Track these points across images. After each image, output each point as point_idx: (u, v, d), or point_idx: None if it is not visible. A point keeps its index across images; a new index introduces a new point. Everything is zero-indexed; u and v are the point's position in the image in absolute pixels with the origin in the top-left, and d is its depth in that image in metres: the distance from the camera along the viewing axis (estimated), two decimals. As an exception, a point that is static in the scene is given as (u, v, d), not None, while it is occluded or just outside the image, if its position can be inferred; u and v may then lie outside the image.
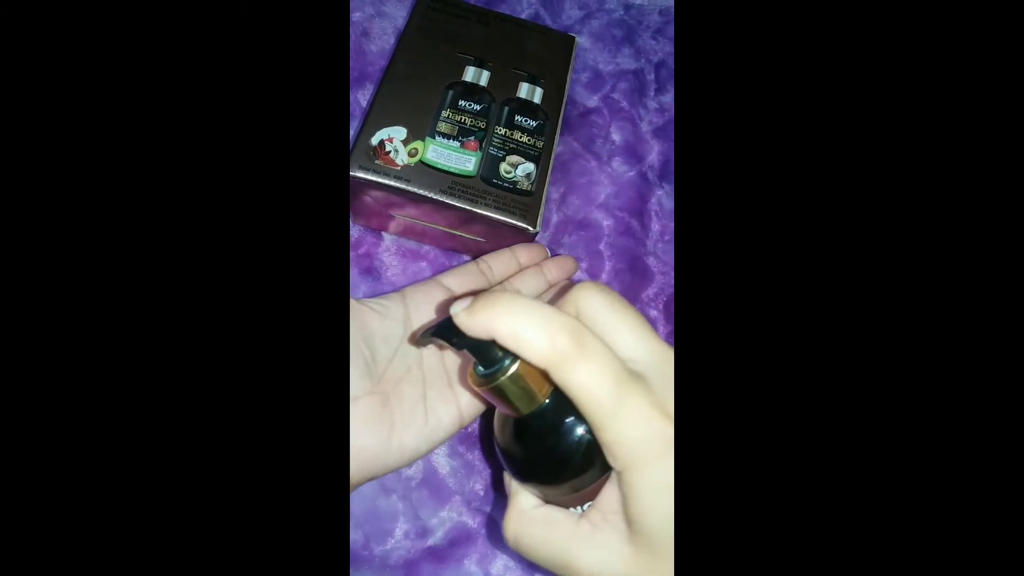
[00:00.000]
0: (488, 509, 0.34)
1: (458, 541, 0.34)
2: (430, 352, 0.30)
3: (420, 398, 0.28)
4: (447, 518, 0.34)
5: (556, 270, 0.34)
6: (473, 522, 0.34)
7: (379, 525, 0.33)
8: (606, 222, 0.42)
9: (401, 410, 0.27)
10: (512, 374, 0.22)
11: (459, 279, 0.32)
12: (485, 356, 0.22)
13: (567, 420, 0.22)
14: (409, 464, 0.28)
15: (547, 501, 0.24)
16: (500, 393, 0.22)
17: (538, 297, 0.33)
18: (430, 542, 0.33)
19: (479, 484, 0.35)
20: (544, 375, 0.21)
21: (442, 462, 0.35)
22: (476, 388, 0.23)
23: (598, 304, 0.22)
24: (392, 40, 0.43)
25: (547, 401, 0.22)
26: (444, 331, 0.22)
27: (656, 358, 0.22)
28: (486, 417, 0.34)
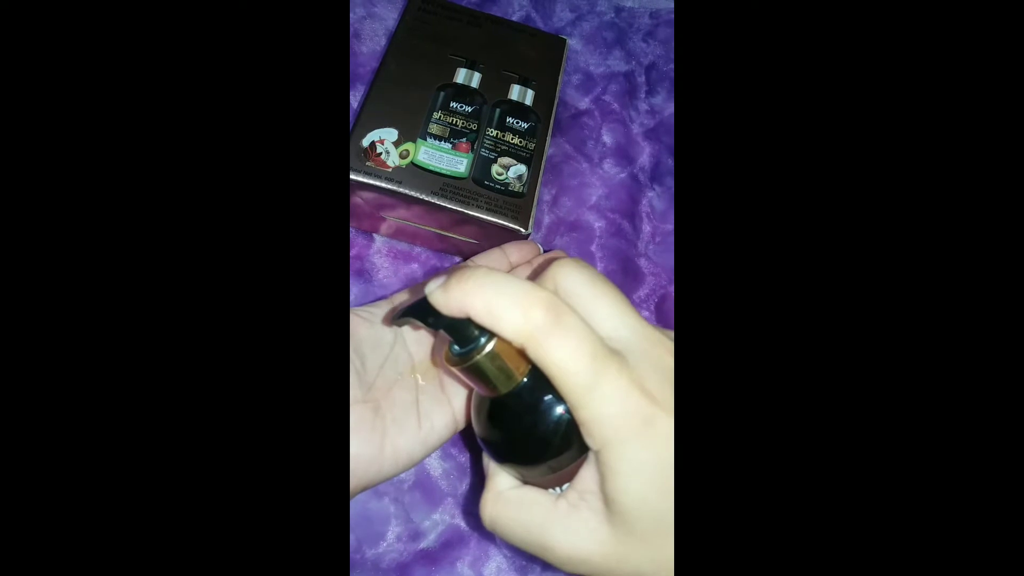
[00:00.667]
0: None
1: (451, 543, 0.33)
2: (421, 356, 0.29)
3: (412, 403, 0.28)
4: (439, 520, 0.34)
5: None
6: (466, 524, 0.34)
7: (371, 528, 0.33)
8: (598, 224, 0.42)
9: (394, 416, 0.27)
10: (488, 352, 0.21)
11: None
12: (461, 334, 0.21)
13: (545, 399, 0.22)
14: (405, 471, 0.28)
15: (525, 482, 0.24)
16: (477, 372, 0.21)
17: None
18: (422, 545, 0.33)
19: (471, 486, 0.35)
20: (521, 353, 0.21)
21: (434, 464, 0.35)
22: (452, 368, 0.22)
23: (577, 280, 0.22)
24: (383, 41, 0.43)
25: (525, 380, 0.22)
26: (419, 311, 0.21)
27: (636, 336, 0.21)
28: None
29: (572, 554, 0.22)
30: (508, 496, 0.24)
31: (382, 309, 0.30)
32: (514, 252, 0.34)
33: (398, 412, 0.27)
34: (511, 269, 0.33)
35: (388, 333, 0.29)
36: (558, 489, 0.23)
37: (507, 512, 0.23)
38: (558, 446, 0.22)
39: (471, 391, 0.26)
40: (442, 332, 0.22)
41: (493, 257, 0.33)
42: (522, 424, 0.22)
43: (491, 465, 0.25)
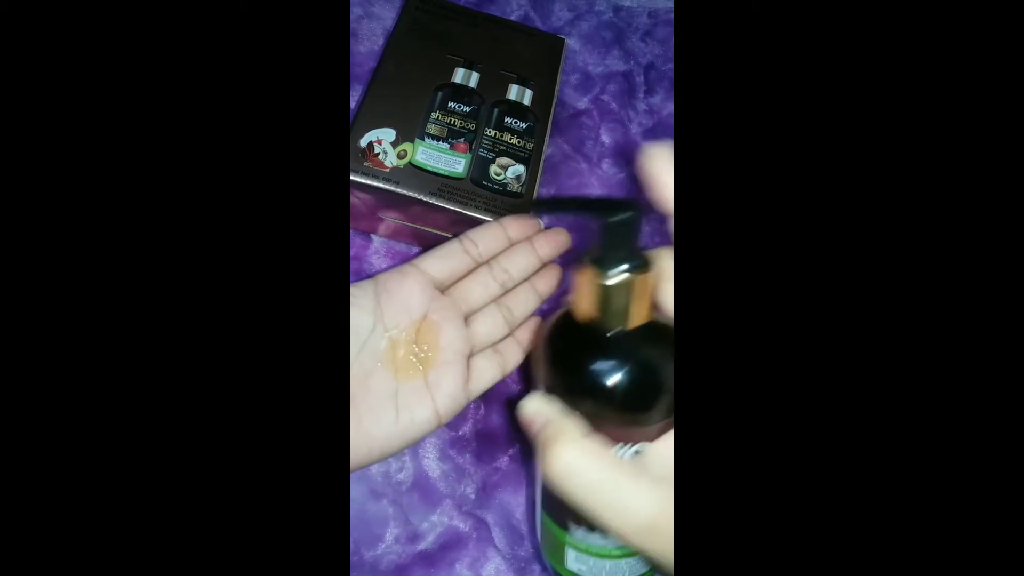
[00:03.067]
0: (480, 513, 0.34)
1: (449, 545, 0.33)
2: (404, 347, 0.28)
3: (391, 395, 0.27)
4: (438, 522, 0.34)
5: (548, 246, 0.31)
6: (464, 526, 0.34)
7: (369, 530, 0.33)
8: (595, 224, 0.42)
9: (369, 406, 0.26)
10: (645, 278, 0.21)
11: (440, 262, 0.29)
12: (618, 255, 0.21)
13: (664, 351, 0.22)
14: (379, 461, 0.27)
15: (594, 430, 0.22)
16: (619, 294, 0.21)
17: (529, 276, 0.30)
18: (421, 547, 0.33)
19: (470, 488, 0.35)
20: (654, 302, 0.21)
21: (432, 466, 0.35)
22: (590, 283, 0.21)
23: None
24: (381, 41, 0.43)
25: (651, 323, 0.22)
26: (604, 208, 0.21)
27: None
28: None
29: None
30: (587, 446, 0.21)
31: (364, 290, 0.28)
32: (513, 227, 0.31)
33: (374, 402, 0.26)
34: (510, 245, 0.31)
35: (367, 317, 0.27)
36: (627, 447, 0.22)
37: (588, 463, 0.20)
38: (662, 399, 0.22)
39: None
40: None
41: (490, 233, 0.31)
42: (636, 365, 0.22)
43: (549, 413, 0.22)
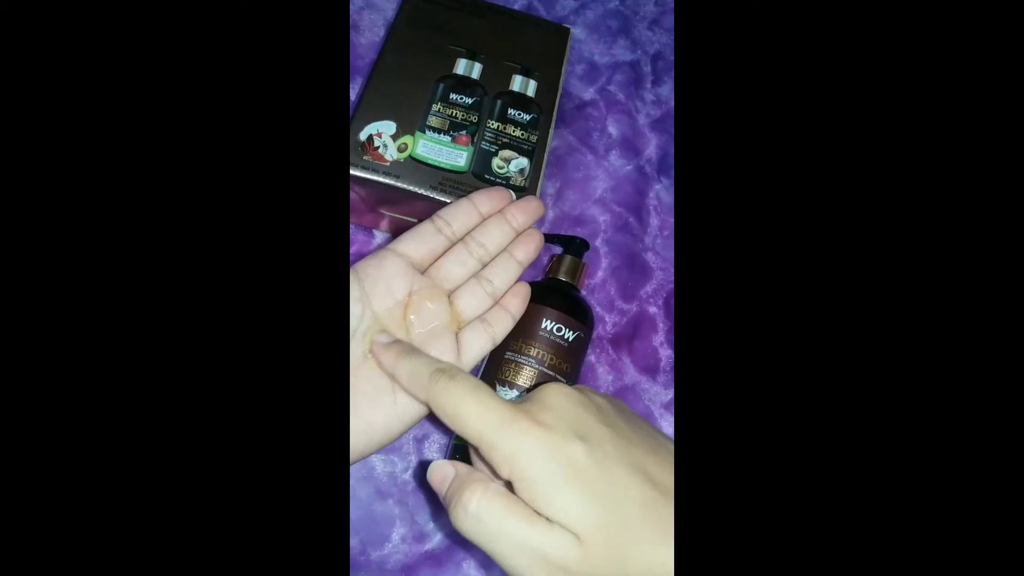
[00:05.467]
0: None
1: (456, 545, 0.33)
2: (396, 330, 0.28)
3: (386, 379, 0.26)
4: (445, 522, 0.33)
5: (521, 215, 0.31)
6: (471, 526, 0.33)
7: (375, 530, 0.33)
8: (603, 217, 0.41)
9: (364, 392, 0.26)
10: None
11: (415, 244, 0.29)
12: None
13: None
14: (381, 448, 0.27)
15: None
16: None
17: (505, 249, 0.31)
18: (428, 546, 0.33)
19: (477, 487, 0.34)
20: None
21: (438, 465, 0.34)
22: None
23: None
24: (382, 33, 0.43)
25: None
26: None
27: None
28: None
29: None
30: (496, 488, 0.22)
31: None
32: (483, 201, 0.31)
33: (370, 388, 0.26)
34: (482, 220, 0.31)
35: (355, 306, 0.27)
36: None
37: (494, 502, 0.22)
38: None
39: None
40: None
41: (461, 210, 0.31)
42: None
43: (461, 467, 0.24)
